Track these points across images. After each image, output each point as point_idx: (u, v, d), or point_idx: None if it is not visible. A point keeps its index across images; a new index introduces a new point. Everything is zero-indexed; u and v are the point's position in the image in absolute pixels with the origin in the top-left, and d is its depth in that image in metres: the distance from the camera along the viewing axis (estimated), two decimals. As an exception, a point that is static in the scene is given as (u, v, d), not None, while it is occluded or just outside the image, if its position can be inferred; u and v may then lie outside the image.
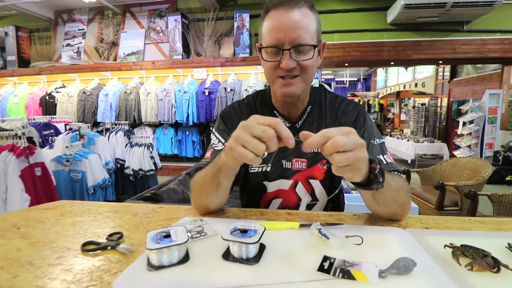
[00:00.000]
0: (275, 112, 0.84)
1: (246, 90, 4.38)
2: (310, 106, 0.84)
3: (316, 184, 0.82)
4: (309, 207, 0.83)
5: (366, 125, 0.79)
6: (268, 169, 0.82)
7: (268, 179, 0.82)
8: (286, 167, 0.82)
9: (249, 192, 0.87)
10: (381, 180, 0.54)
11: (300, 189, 0.82)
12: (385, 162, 0.73)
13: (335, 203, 0.88)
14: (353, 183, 0.56)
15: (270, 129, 0.48)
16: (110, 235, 0.56)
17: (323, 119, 0.83)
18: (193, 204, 0.72)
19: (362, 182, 0.55)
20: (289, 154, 0.82)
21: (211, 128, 4.83)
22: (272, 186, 0.83)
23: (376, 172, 0.53)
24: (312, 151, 0.82)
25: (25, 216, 0.69)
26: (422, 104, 8.28)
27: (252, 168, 0.83)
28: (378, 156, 0.73)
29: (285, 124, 0.83)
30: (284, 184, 0.82)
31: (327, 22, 4.67)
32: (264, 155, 0.51)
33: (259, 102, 0.87)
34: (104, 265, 0.46)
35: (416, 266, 0.42)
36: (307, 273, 0.42)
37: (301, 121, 0.83)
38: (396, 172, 0.71)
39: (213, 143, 0.81)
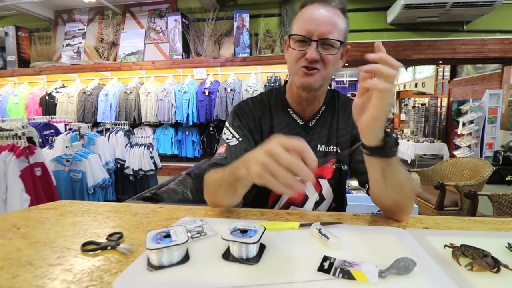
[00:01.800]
0: (289, 109, 0.85)
1: (246, 90, 4.38)
2: (324, 107, 0.85)
3: (324, 183, 0.83)
4: (316, 205, 0.84)
5: None
6: None
7: None
8: None
9: (258, 188, 0.86)
10: (394, 148, 0.56)
11: (309, 187, 0.83)
12: None
13: (339, 203, 0.88)
14: (367, 148, 0.57)
15: (297, 161, 0.44)
16: (110, 235, 0.56)
17: (335, 120, 0.84)
18: (206, 198, 0.73)
19: (376, 146, 0.56)
20: None
21: (211, 128, 4.83)
22: None
23: (390, 137, 0.56)
24: (322, 150, 0.83)
25: (25, 216, 0.69)
26: (422, 104, 8.27)
27: None
28: None
29: (299, 123, 0.84)
30: None
31: (327, 22, 4.66)
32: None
33: (274, 99, 0.87)
34: (104, 265, 0.46)
35: (416, 266, 0.42)
36: (307, 273, 0.42)
37: (314, 120, 0.84)
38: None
39: (227, 138, 0.81)
